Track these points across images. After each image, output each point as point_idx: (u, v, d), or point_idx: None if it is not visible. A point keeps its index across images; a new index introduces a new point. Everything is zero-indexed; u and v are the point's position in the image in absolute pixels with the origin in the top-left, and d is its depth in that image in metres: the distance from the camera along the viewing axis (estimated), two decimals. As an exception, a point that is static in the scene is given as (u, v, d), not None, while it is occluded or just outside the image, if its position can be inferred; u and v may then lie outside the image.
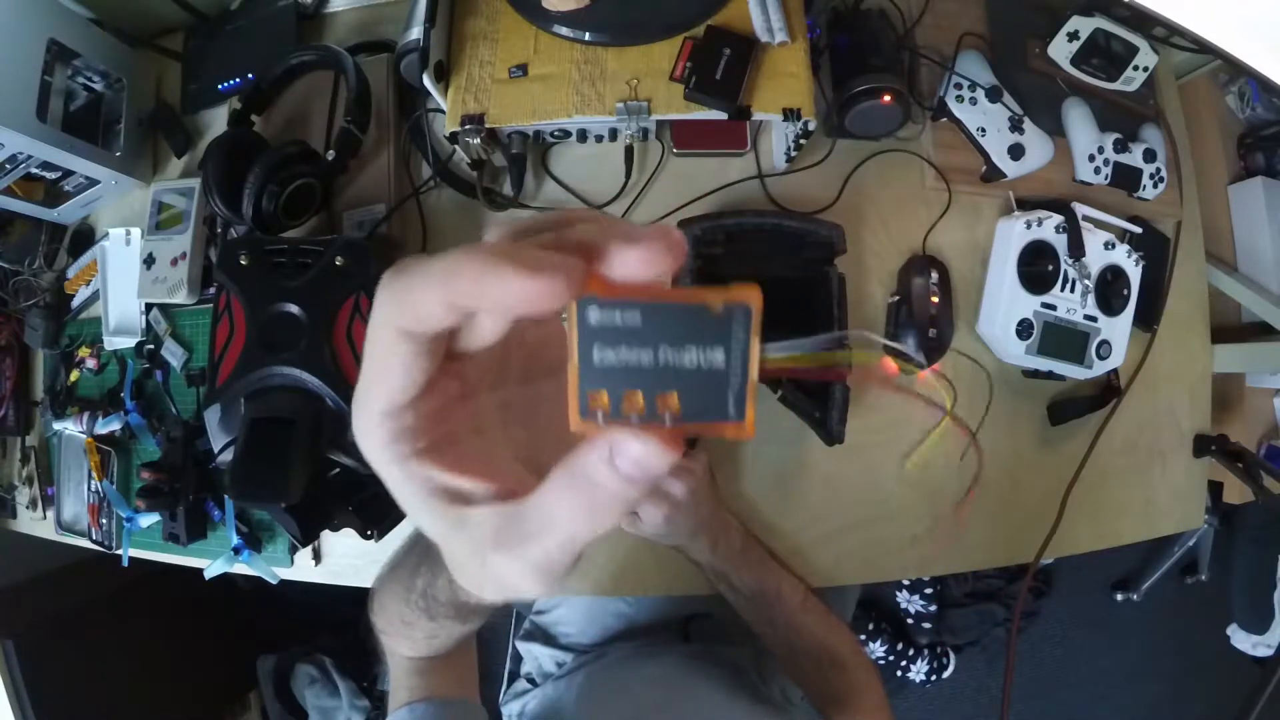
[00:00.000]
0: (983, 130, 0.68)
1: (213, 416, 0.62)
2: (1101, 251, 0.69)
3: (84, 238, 0.83)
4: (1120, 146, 0.70)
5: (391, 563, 0.41)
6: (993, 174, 0.70)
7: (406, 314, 0.16)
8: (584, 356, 0.16)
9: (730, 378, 0.16)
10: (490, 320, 0.18)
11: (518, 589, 0.18)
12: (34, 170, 0.72)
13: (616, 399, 0.16)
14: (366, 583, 0.46)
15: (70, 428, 0.78)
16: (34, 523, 0.85)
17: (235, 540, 0.70)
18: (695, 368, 0.16)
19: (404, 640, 0.42)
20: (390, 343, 0.17)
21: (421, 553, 0.36)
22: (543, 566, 0.18)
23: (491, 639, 0.94)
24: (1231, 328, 0.86)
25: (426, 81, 0.60)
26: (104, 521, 0.77)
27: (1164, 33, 0.69)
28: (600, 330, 0.16)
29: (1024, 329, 0.67)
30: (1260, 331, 0.84)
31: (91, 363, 0.80)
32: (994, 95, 0.68)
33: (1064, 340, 0.68)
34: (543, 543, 0.17)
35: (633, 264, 0.16)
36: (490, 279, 0.15)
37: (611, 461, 0.16)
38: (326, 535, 0.71)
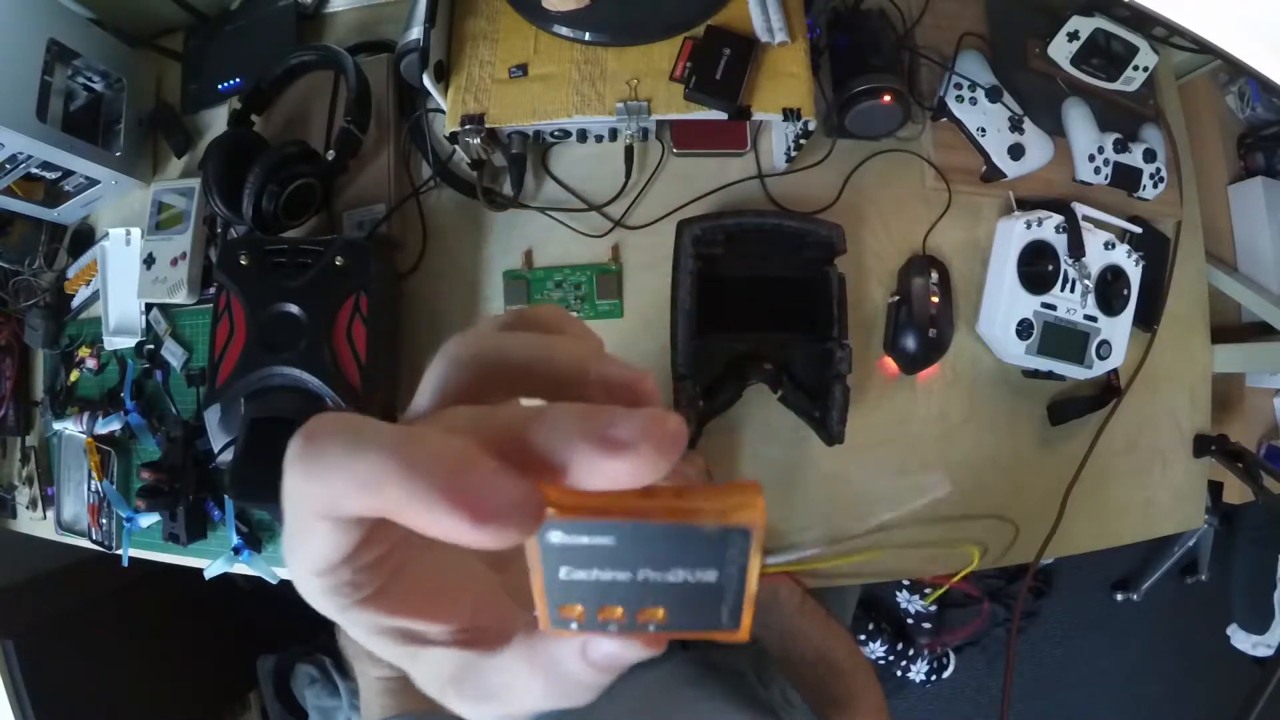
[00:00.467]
0: (983, 130, 0.68)
1: (213, 416, 0.62)
2: (1101, 251, 0.69)
3: (84, 238, 0.83)
4: (1120, 146, 0.70)
5: None
6: (993, 174, 0.70)
7: (322, 503, 0.13)
8: (549, 574, 0.14)
9: (724, 593, 0.14)
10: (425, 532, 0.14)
11: None
12: (34, 170, 0.72)
13: (592, 611, 0.14)
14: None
15: (70, 428, 0.78)
16: (34, 523, 0.85)
17: (235, 540, 0.70)
18: (682, 584, 0.14)
19: (372, 665, 0.42)
20: (308, 520, 0.14)
21: None
22: (503, 717, 0.17)
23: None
24: (1231, 328, 0.86)
25: (426, 81, 0.60)
26: (104, 521, 0.77)
27: (1164, 33, 0.69)
28: (566, 550, 0.14)
29: (1024, 329, 0.67)
30: (1260, 331, 0.84)
31: (91, 363, 0.79)
32: (994, 95, 0.68)
33: (1064, 340, 0.68)
34: (503, 706, 0.16)
35: (610, 478, 0.13)
36: (420, 509, 0.12)
37: (585, 656, 0.15)
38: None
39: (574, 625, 0.15)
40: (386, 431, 0.13)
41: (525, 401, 0.16)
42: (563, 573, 0.14)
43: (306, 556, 0.15)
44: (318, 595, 0.16)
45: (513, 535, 0.12)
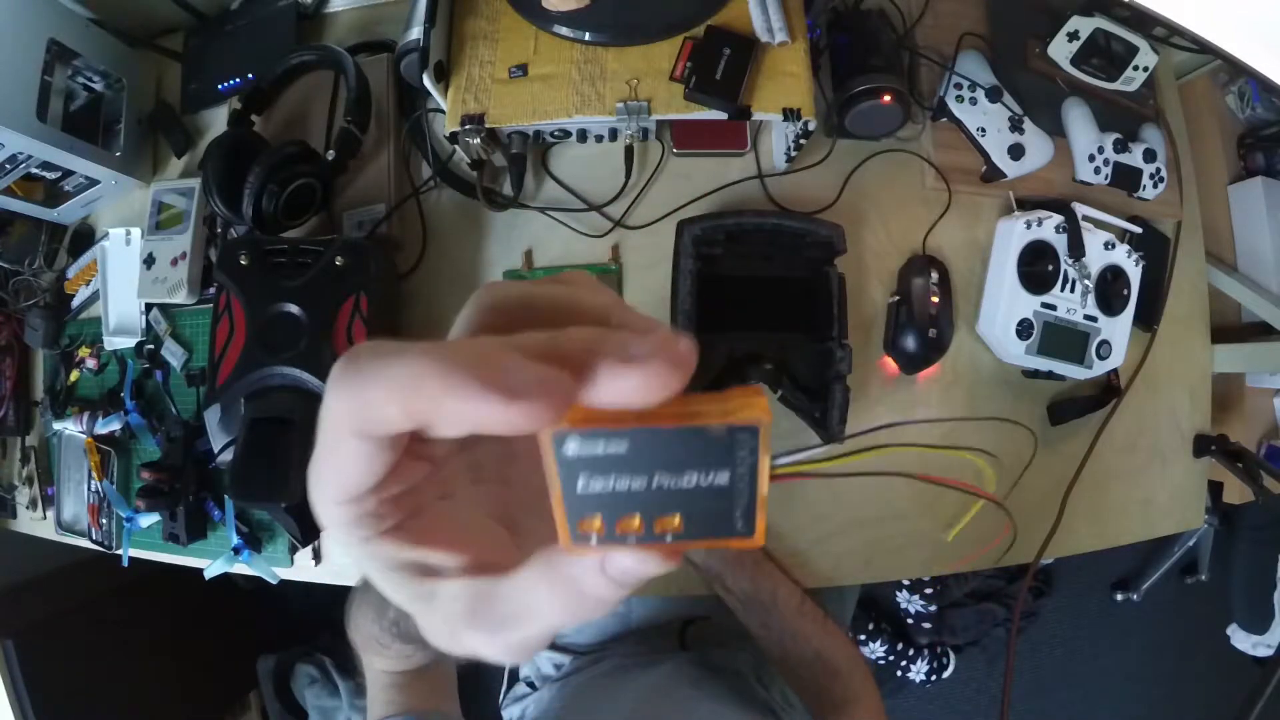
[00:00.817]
0: (983, 130, 0.68)
1: (213, 416, 0.62)
2: (1101, 251, 0.69)
3: (84, 238, 0.83)
4: (1120, 146, 0.70)
5: (365, 584, 0.40)
6: (993, 174, 0.70)
7: (360, 417, 0.14)
8: (567, 488, 0.15)
9: (736, 496, 0.15)
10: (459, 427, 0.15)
11: (489, 659, 0.18)
12: (34, 170, 0.72)
13: (611, 523, 0.15)
14: (366, 583, 0.46)
15: (70, 428, 0.78)
16: (34, 523, 0.85)
17: (235, 540, 0.70)
18: (695, 488, 0.15)
19: (379, 657, 0.42)
20: (344, 439, 0.15)
21: None
22: (516, 647, 0.17)
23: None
24: (1231, 328, 0.86)
25: (426, 81, 0.60)
26: (104, 521, 0.77)
27: (1164, 33, 0.69)
28: (582, 461, 0.14)
29: (1024, 329, 0.67)
30: (1260, 331, 0.84)
31: (91, 363, 0.80)
32: (994, 95, 0.68)
33: (1064, 340, 0.68)
34: (520, 630, 0.17)
35: (628, 390, 0.14)
36: (457, 398, 0.13)
37: (604, 571, 0.15)
38: (327, 535, 0.71)
39: (593, 540, 0.15)
40: (423, 344, 0.14)
41: None
42: (580, 484, 0.14)
43: (336, 481, 0.15)
44: (342, 525, 0.16)
45: (544, 413, 0.13)
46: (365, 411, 0.14)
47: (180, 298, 0.73)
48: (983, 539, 0.70)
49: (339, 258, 0.61)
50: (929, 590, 1.50)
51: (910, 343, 0.67)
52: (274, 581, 0.73)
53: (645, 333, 0.14)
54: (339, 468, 0.15)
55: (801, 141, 0.64)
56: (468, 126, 0.60)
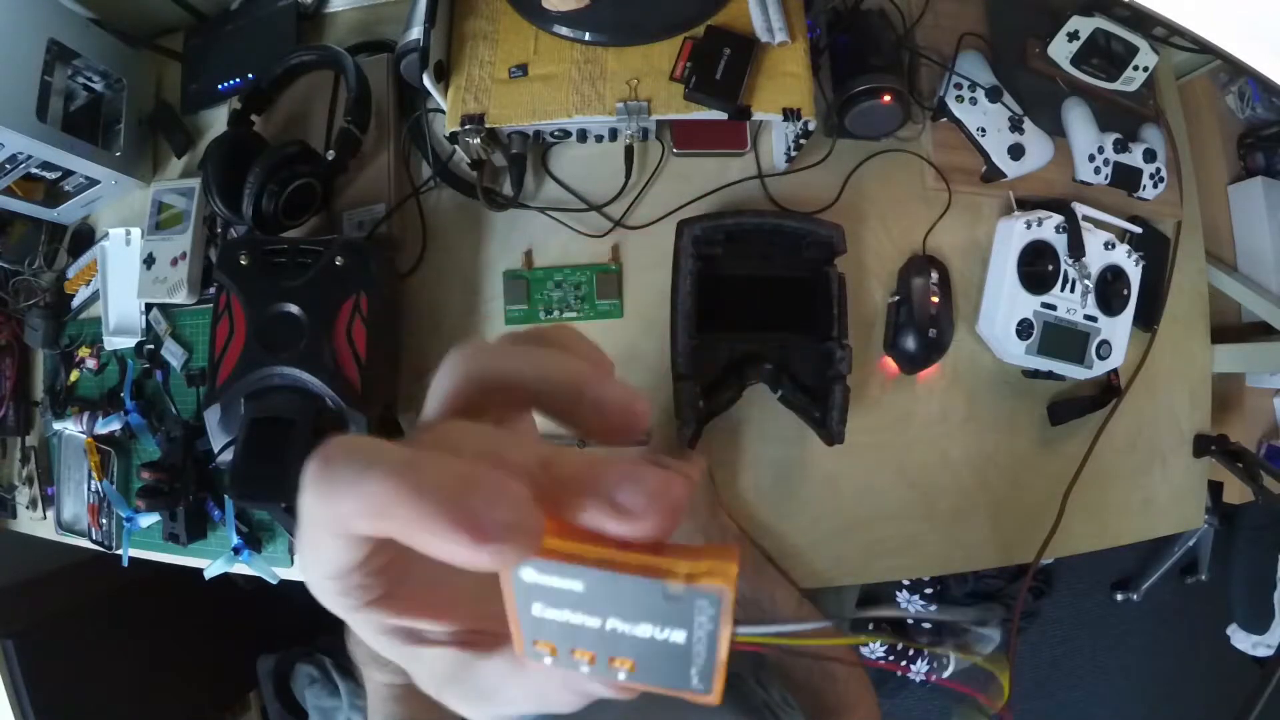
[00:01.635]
0: (983, 130, 0.68)
1: (213, 416, 0.62)
2: (1101, 251, 0.69)
3: (84, 238, 0.83)
4: (1120, 146, 0.70)
5: None
6: (993, 174, 0.70)
7: (335, 523, 0.14)
8: (523, 609, 0.14)
9: (693, 656, 0.14)
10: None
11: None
12: (34, 170, 0.72)
13: (565, 650, 0.15)
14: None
15: (70, 428, 0.78)
16: (34, 523, 0.85)
17: (235, 540, 0.70)
18: (650, 639, 0.14)
19: (380, 671, 0.42)
20: (321, 536, 0.15)
21: None
22: (495, 717, 0.18)
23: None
24: (1231, 328, 0.86)
25: (426, 81, 0.60)
26: (104, 521, 0.77)
27: (1164, 33, 0.69)
28: (538, 589, 0.14)
29: (1024, 329, 0.67)
30: (1260, 331, 0.84)
31: (91, 363, 0.79)
32: (994, 95, 0.68)
33: (1064, 340, 0.68)
34: (496, 707, 0.17)
35: (610, 527, 0.14)
36: (424, 531, 0.13)
37: (564, 684, 0.16)
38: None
39: (547, 659, 0.15)
40: (395, 455, 0.14)
41: (537, 417, 0.17)
42: (535, 609, 0.14)
43: (320, 563, 0.16)
44: (330, 597, 0.17)
45: (510, 557, 0.13)
46: (339, 520, 0.14)
47: (180, 298, 0.73)
48: (980, 541, 0.70)
49: (339, 258, 0.61)
50: (929, 590, 1.49)
51: (910, 343, 0.67)
52: (274, 581, 0.73)
53: (640, 481, 0.14)
54: (320, 555, 0.15)
55: (801, 141, 0.64)
56: (468, 126, 0.60)
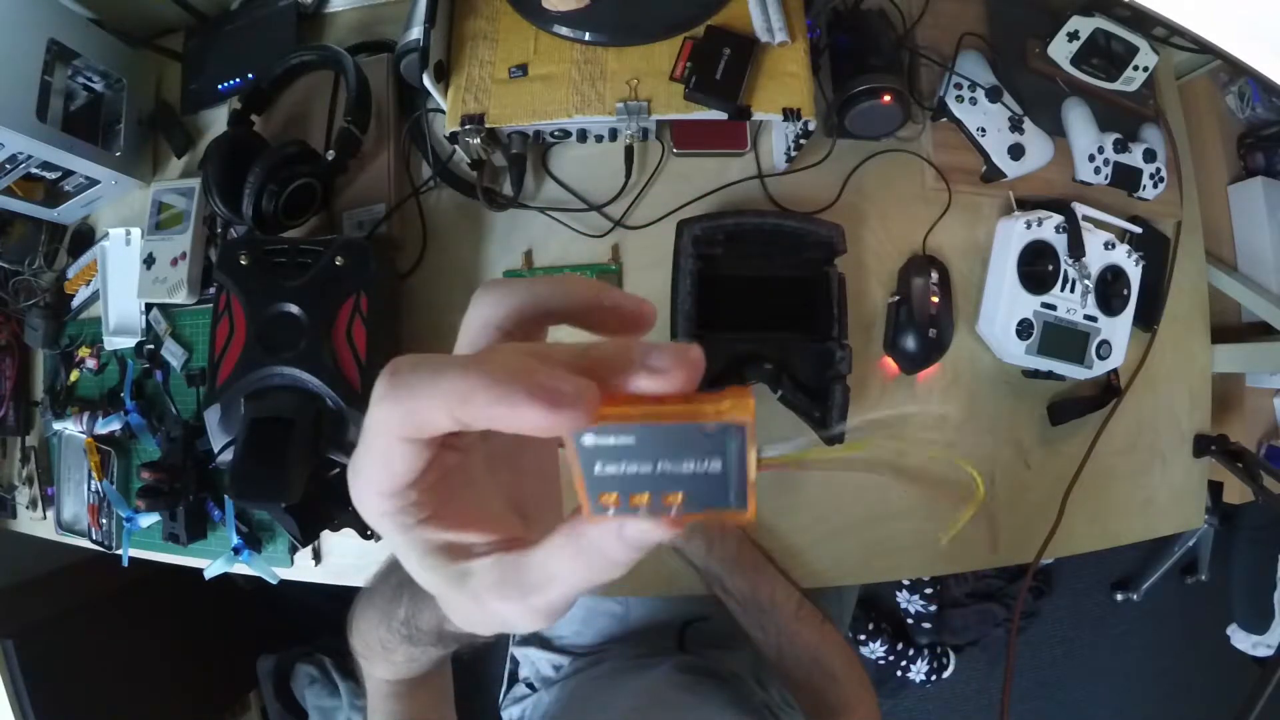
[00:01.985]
0: (983, 130, 0.68)
1: (213, 416, 0.62)
2: (1101, 251, 0.69)
3: (84, 238, 0.83)
4: (1120, 146, 0.70)
5: (369, 588, 0.40)
6: (993, 174, 0.70)
7: (410, 423, 0.17)
8: (587, 471, 0.17)
9: (730, 479, 0.17)
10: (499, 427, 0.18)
11: (516, 628, 0.20)
12: (34, 170, 0.72)
13: (625, 497, 0.17)
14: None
15: (70, 428, 0.78)
16: (34, 523, 0.85)
17: (235, 540, 0.70)
18: (694, 473, 0.17)
19: (382, 664, 0.42)
20: (393, 443, 0.17)
21: (401, 580, 0.36)
22: (544, 611, 0.19)
23: (492, 641, 0.94)
24: (1231, 328, 0.86)
25: (426, 81, 0.60)
26: (104, 521, 0.77)
27: (1164, 33, 0.69)
28: (598, 450, 0.17)
29: (1024, 329, 0.67)
30: (1260, 331, 0.84)
31: (91, 363, 0.80)
32: (994, 95, 0.68)
33: (1064, 340, 0.68)
34: (547, 594, 0.19)
35: (650, 389, 0.17)
36: (505, 407, 0.15)
37: (620, 535, 0.17)
38: (326, 535, 0.71)
39: (610, 511, 0.17)
40: (460, 356, 0.16)
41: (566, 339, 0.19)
42: (597, 468, 0.17)
43: (382, 478, 0.18)
44: (387, 516, 0.19)
45: (580, 420, 0.15)
46: (415, 418, 0.16)
47: (180, 298, 0.73)
48: (979, 541, 0.70)
49: (339, 258, 0.61)
50: (929, 590, 1.50)
51: (910, 343, 0.67)
52: (274, 581, 0.73)
53: (663, 348, 0.17)
54: (386, 466, 0.18)
55: (801, 141, 0.64)
56: (468, 126, 0.60)
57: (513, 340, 0.19)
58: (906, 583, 1.50)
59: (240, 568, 0.72)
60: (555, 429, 0.15)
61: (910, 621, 1.52)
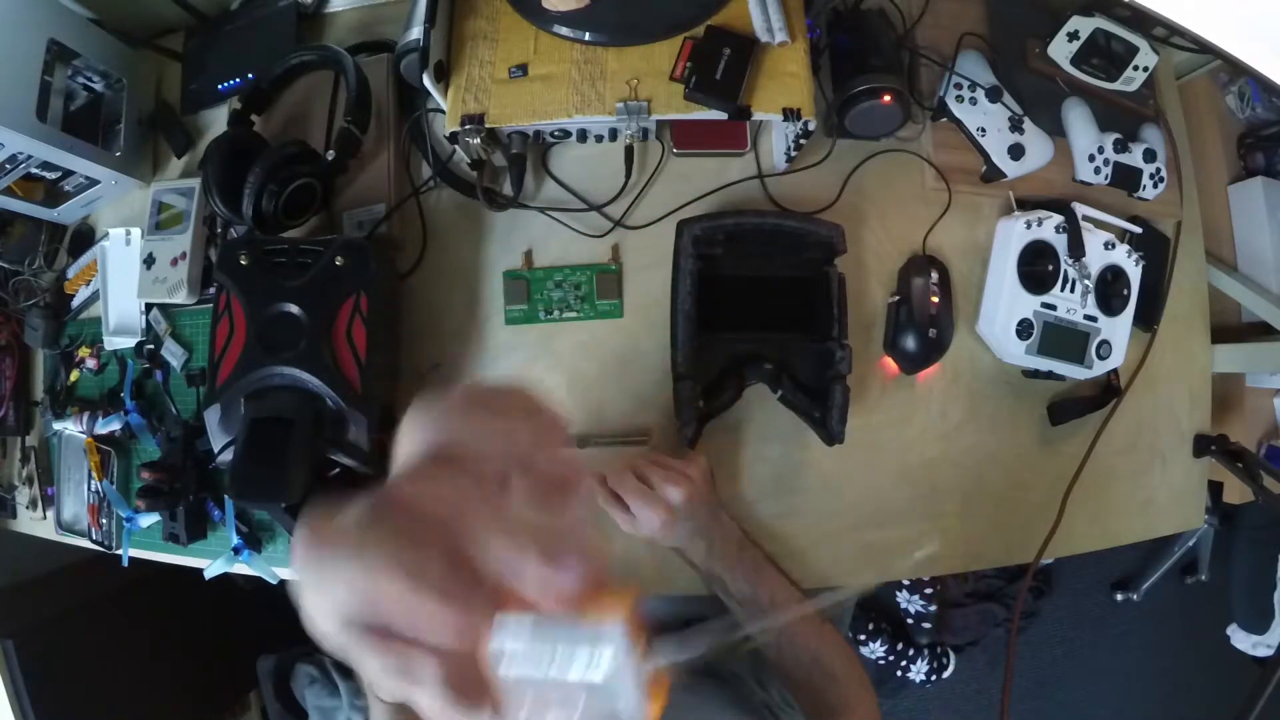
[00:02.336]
0: (983, 130, 0.68)
1: (213, 416, 0.62)
2: (1101, 251, 0.69)
3: (84, 238, 0.83)
4: (1120, 146, 0.70)
5: None
6: (993, 174, 0.70)
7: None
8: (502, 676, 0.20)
9: (617, 694, 0.18)
10: None
11: None
12: (34, 170, 0.72)
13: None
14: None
15: (70, 428, 0.78)
16: (34, 523, 0.85)
17: (235, 540, 0.70)
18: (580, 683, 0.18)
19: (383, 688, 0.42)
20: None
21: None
22: None
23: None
24: (1231, 328, 0.86)
25: (426, 81, 0.60)
26: (104, 521, 0.77)
27: (1164, 33, 0.69)
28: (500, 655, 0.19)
29: (1024, 329, 0.67)
30: (1260, 331, 0.84)
31: (91, 363, 0.79)
32: (994, 95, 0.68)
33: (1064, 340, 0.68)
34: None
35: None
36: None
37: None
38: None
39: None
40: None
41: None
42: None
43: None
44: (339, 642, 0.22)
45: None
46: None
47: (180, 298, 0.73)
48: (979, 541, 0.70)
49: (339, 258, 0.61)
50: (929, 590, 1.49)
51: (910, 343, 0.67)
52: (274, 581, 0.73)
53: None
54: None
55: (801, 141, 0.64)
56: (468, 126, 0.60)
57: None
58: (906, 583, 1.50)
59: (240, 568, 0.72)
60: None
61: (910, 621, 1.52)
